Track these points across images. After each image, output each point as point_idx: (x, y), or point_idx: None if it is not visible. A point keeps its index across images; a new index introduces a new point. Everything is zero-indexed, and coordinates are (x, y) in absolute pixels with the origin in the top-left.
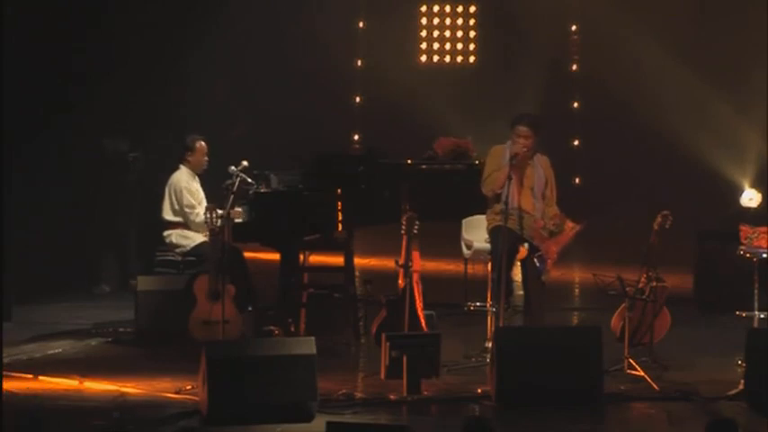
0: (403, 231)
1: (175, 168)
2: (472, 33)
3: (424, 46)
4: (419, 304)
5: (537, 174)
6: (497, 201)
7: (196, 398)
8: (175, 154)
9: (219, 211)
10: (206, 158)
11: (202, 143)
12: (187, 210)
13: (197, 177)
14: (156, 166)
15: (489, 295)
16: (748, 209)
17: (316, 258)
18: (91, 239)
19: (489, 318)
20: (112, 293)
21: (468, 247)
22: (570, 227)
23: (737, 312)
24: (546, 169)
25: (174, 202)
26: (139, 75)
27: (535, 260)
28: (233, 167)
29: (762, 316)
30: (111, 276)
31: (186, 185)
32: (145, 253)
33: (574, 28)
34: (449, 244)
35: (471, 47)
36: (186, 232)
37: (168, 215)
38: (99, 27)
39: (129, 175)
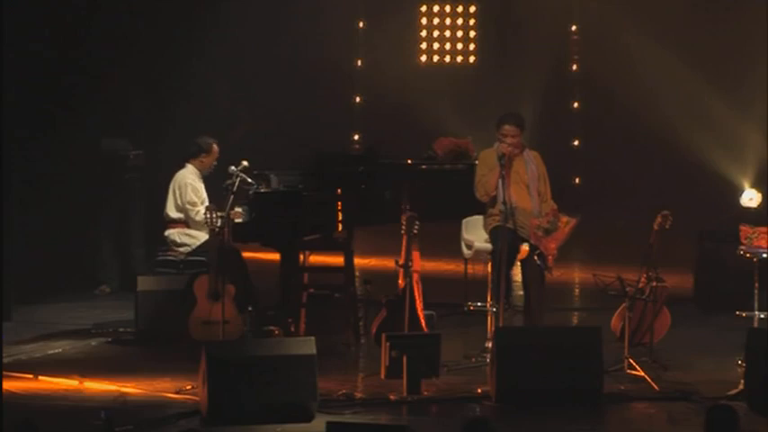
0: (403, 231)
1: (181, 166)
2: (472, 33)
3: (424, 46)
4: (419, 304)
5: (530, 170)
6: (493, 204)
7: (196, 398)
8: (177, 153)
9: (220, 213)
10: (215, 162)
11: (216, 146)
12: (188, 206)
13: (201, 178)
14: (156, 167)
15: (489, 295)
16: (748, 209)
17: (316, 258)
18: (91, 239)
19: (489, 318)
20: (112, 293)
21: (469, 247)
22: (564, 222)
23: (737, 312)
24: (538, 165)
25: (178, 198)
26: (139, 75)
27: (536, 258)
28: (233, 167)
29: (762, 316)
30: (112, 276)
31: (192, 182)
32: (147, 253)
33: (574, 28)
34: (449, 244)
35: (471, 47)
36: (190, 231)
37: (172, 212)
38: (99, 27)
39: (128, 174)
